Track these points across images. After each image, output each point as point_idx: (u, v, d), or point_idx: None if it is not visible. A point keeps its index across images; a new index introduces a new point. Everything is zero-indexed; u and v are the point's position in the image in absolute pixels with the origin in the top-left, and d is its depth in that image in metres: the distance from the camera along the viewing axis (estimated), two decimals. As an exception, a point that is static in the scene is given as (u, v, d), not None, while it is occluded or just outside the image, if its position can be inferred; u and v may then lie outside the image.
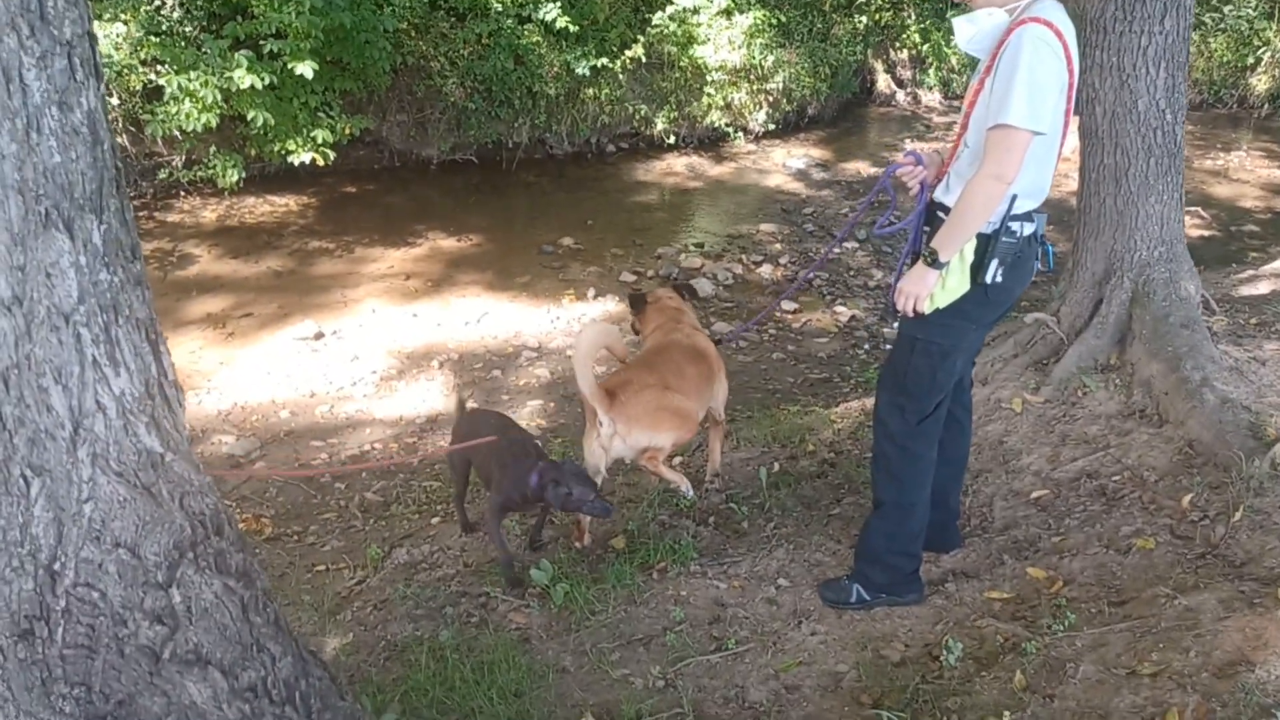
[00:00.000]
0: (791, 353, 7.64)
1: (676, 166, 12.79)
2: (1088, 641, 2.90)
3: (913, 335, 3.24)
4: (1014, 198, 2.96)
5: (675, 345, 4.27)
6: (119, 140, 9.22)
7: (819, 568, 3.77)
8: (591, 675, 3.29)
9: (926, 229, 3.30)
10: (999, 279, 3.05)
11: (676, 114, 12.91)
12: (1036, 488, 3.95)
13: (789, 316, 8.34)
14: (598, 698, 3.19)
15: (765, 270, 9.40)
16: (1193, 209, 11.12)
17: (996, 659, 2.97)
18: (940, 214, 3.15)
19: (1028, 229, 3.07)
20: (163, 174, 9.96)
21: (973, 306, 3.13)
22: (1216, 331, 4.54)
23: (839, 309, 8.51)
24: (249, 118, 8.73)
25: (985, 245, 3.02)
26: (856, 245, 10.23)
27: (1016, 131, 2.80)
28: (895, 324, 3.35)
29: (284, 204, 10.62)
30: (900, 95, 16.74)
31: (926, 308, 3.09)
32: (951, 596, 3.43)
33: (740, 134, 13.52)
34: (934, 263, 3.00)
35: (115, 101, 9.01)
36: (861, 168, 13.13)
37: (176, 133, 9.01)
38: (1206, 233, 10.55)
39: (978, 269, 3.05)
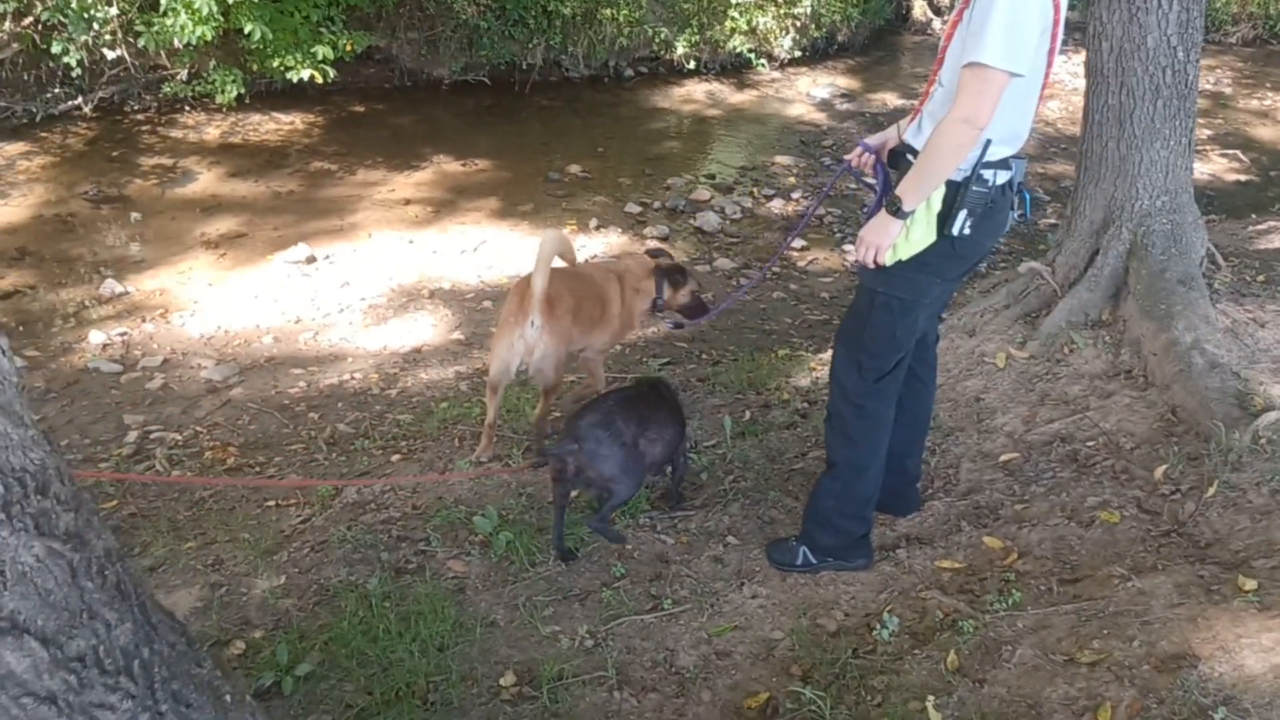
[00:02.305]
0: (793, 292, 7.41)
1: (696, 94, 12.40)
2: (1029, 622, 2.72)
3: (873, 288, 3.02)
4: (988, 143, 2.72)
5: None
6: (119, 52, 9.05)
7: (771, 525, 3.61)
8: (521, 631, 3.18)
9: (893, 171, 3.08)
10: (967, 231, 2.82)
11: (698, 38, 12.48)
12: (1007, 450, 3.73)
13: (795, 254, 8.08)
14: (523, 655, 3.07)
15: (776, 205, 9.12)
16: (1231, 152, 10.65)
17: (933, 636, 2.81)
18: (910, 157, 2.91)
19: (1002, 177, 2.83)
20: (166, 88, 9.77)
21: (937, 259, 2.90)
22: (1218, 289, 4.25)
23: (848, 248, 8.23)
24: (246, 31, 8.48)
25: (954, 194, 2.78)
26: (874, 182, 9.87)
27: (992, 71, 2.55)
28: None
29: (289, 122, 10.42)
30: (937, 23, 16.14)
31: (888, 259, 2.87)
32: (901, 564, 3.26)
33: (764, 61, 13.07)
34: (897, 211, 2.78)
35: (114, 11, 8.78)
36: (890, 99, 12.68)
37: (178, 44, 8.79)
38: (1243, 177, 10.09)
39: (945, 219, 2.81)
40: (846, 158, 3.41)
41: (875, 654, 2.81)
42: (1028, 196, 3.03)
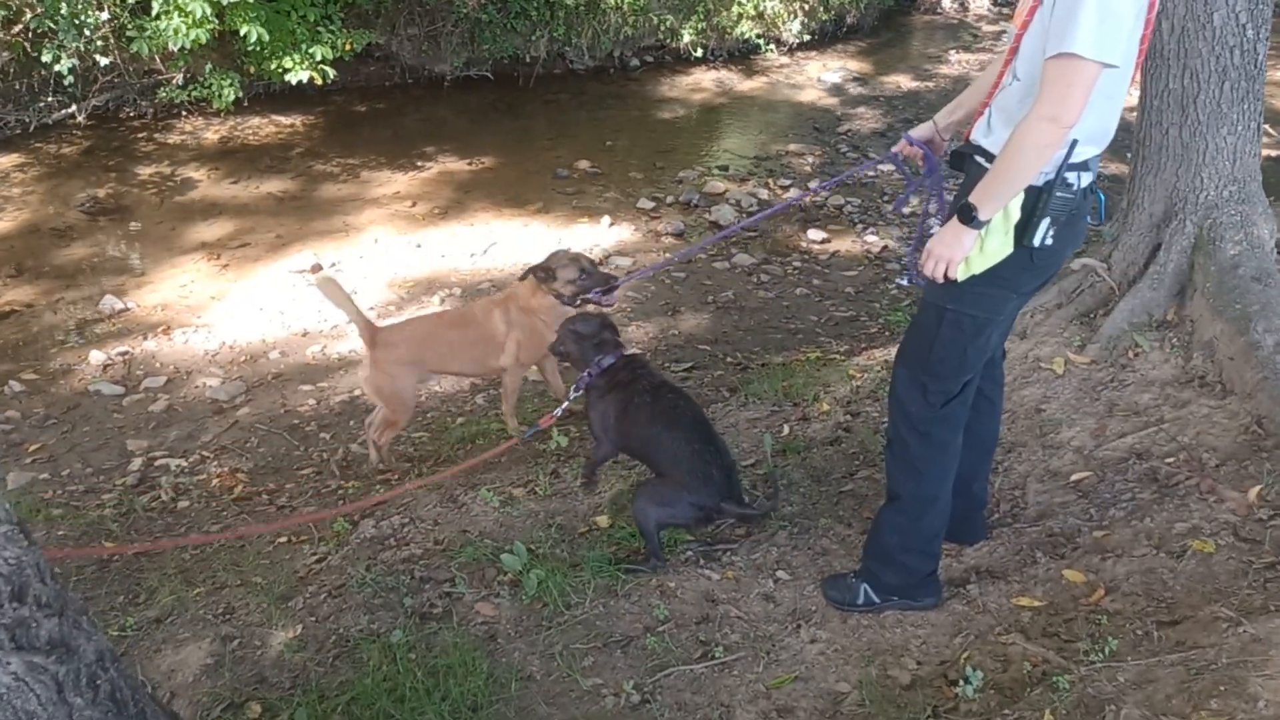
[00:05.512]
0: (817, 287, 7.10)
1: (704, 82, 12.09)
2: (1131, 676, 2.45)
3: (941, 305, 2.73)
4: (1074, 143, 2.42)
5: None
6: (112, 58, 8.77)
7: (825, 557, 3.34)
8: (560, 685, 2.91)
9: (960, 176, 2.79)
10: (1049, 240, 2.53)
11: (704, 24, 12.15)
12: (1078, 468, 3.45)
13: (816, 247, 7.79)
14: (563, 714, 2.81)
15: (793, 194, 8.80)
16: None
17: (1023, 691, 2.53)
18: (979, 159, 2.62)
19: (1085, 179, 2.54)
20: (161, 93, 9.48)
21: (1013, 272, 2.61)
22: (1292, 284, 3.96)
23: (870, 238, 7.93)
24: (242, 33, 8.19)
25: (1035, 200, 2.49)
26: (893, 168, 9.56)
27: (1083, 63, 2.25)
28: (903, 282, 2.97)
29: (289, 124, 10.14)
30: (946, 2, 15.78)
31: (960, 274, 2.58)
32: (974, 601, 2.98)
33: (772, 46, 12.75)
34: (971, 220, 2.48)
35: (105, 16, 8.50)
36: (903, 81, 12.35)
37: (172, 48, 8.50)
38: (1274, 153, 9.73)
39: (1024, 229, 2.52)
40: (894, 149, 3.17)
41: (958, 713, 2.54)
42: (1102, 199, 2.75)
